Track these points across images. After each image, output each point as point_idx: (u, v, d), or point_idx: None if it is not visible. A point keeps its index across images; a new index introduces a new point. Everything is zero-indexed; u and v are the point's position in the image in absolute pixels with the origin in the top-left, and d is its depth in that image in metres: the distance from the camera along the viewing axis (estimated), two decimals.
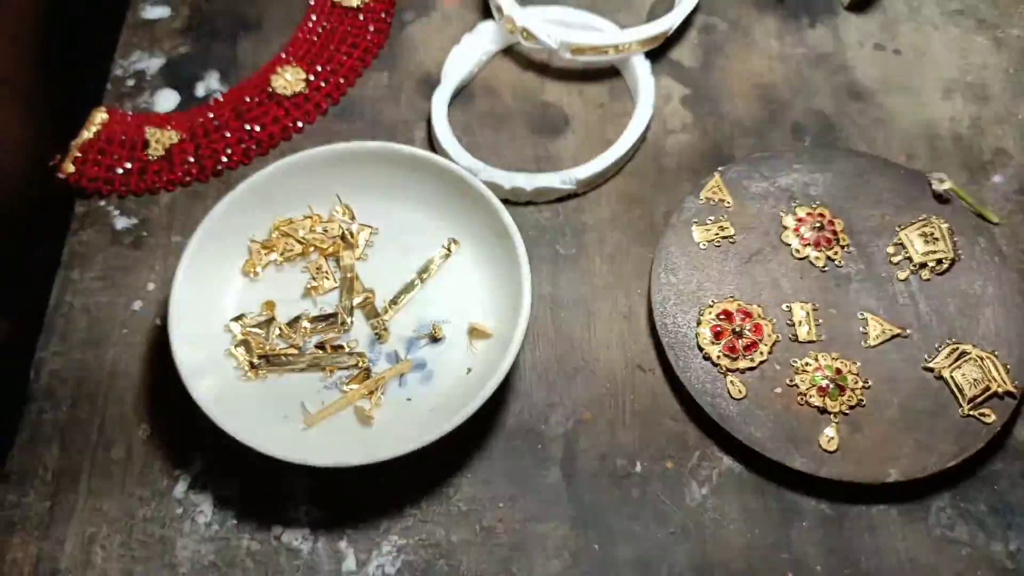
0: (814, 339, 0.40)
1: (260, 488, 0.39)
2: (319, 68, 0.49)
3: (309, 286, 0.42)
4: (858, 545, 0.38)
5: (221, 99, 0.48)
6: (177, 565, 0.38)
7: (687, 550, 0.38)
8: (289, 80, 0.48)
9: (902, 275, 0.42)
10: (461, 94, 0.49)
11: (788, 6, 0.51)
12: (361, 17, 0.51)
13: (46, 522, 0.39)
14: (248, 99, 0.48)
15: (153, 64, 0.50)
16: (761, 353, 0.40)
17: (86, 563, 0.38)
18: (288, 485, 0.39)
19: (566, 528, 0.39)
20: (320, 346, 0.41)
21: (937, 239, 0.42)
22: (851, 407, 0.39)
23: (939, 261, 0.42)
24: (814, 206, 0.43)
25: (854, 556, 0.38)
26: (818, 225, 0.42)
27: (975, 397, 0.39)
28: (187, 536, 0.38)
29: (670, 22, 0.47)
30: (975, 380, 0.39)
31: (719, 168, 0.45)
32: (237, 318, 0.41)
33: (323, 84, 0.49)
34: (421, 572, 0.38)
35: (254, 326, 0.41)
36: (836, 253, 0.42)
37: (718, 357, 0.39)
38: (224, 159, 0.47)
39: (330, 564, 0.38)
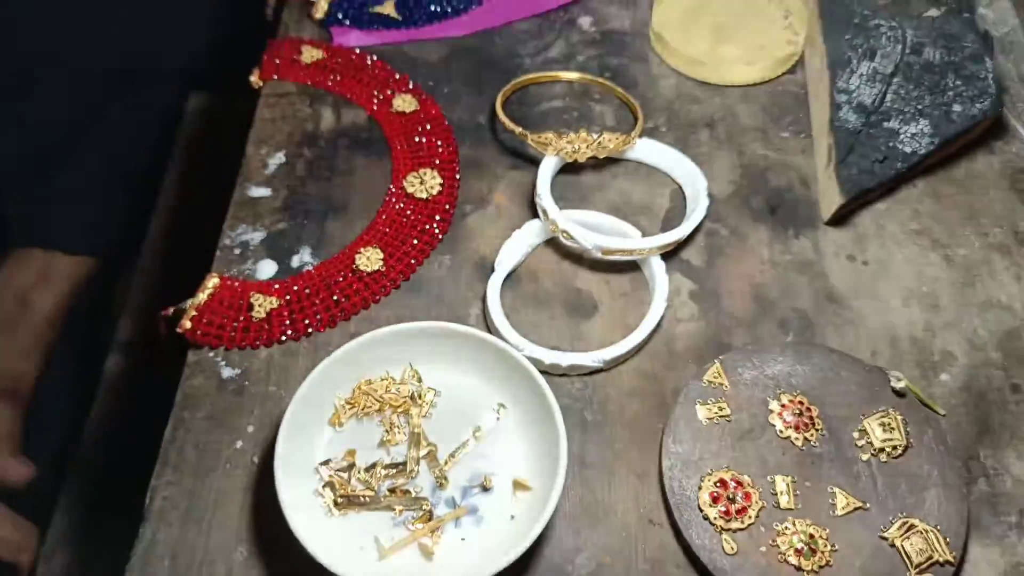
0: (792, 507, 0.50)
1: None
2: (393, 250, 0.60)
3: (384, 439, 0.52)
4: None
5: (312, 271, 0.59)
6: None
7: None
8: (369, 258, 0.59)
9: (864, 457, 0.51)
10: (509, 278, 0.59)
11: (778, 219, 0.63)
12: (429, 207, 0.62)
13: None
14: (335, 273, 0.59)
15: (255, 237, 0.61)
16: (750, 517, 0.49)
17: None
18: None
19: None
20: (392, 490, 0.50)
21: (893, 428, 0.52)
22: (821, 567, 0.48)
23: (894, 447, 0.51)
24: (795, 394, 0.53)
25: None
26: (798, 411, 0.53)
27: (920, 564, 0.48)
28: None
29: (682, 232, 0.58)
30: (921, 549, 0.48)
31: (719, 357, 0.55)
32: (324, 463, 0.50)
33: (397, 263, 0.59)
34: None
35: (338, 470, 0.50)
36: (812, 435, 0.52)
37: (715, 518, 0.49)
38: (314, 324, 0.57)
39: None
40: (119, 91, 0.93)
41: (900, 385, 0.53)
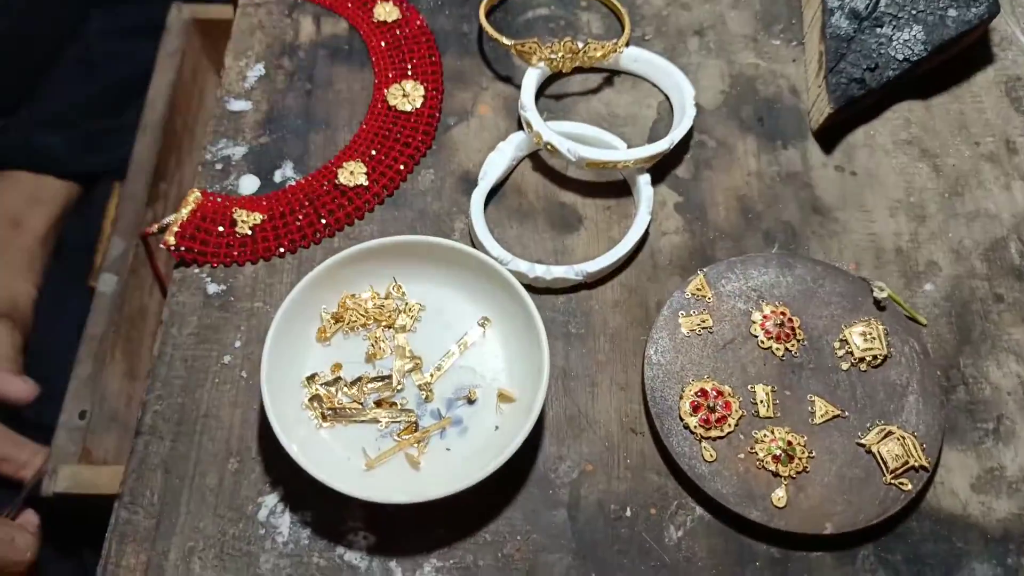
0: (772, 416, 0.51)
1: (327, 515, 0.49)
2: (377, 164, 0.59)
3: (370, 352, 0.52)
4: None
5: (295, 186, 0.58)
6: None
7: None
8: (352, 173, 0.58)
9: (844, 366, 0.52)
10: (494, 192, 0.59)
11: (766, 129, 0.62)
12: (413, 120, 0.61)
13: (153, 536, 0.49)
14: (318, 188, 0.58)
15: (237, 152, 0.60)
16: (729, 425, 0.50)
17: (187, 571, 0.48)
18: (351, 514, 0.49)
19: (569, 559, 0.49)
20: (378, 403, 0.51)
21: (874, 338, 0.53)
22: (798, 472, 0.49)
23: (875, 357, 0.52)
24: (777, 305, 0.54)
25: None
26: (779, 322, 0.53)
27: (896, 469, 0.49)
28: (268, 552, 0.48)
29: (667, 144, 0.57)
30: (897, 455, 0.49)
31: (703, 268, 0.55)
32: (311, 377, 0.51)
33: (380, 178, 0.59)
34: None
35: (325, 384, 0.51)
36: (793, 345, 0.52)
37: (695, 427, 0.50)
38: (298, 240, 0.57)
39: None
40: (99, 5, 0.91)
41: (882, 296, 0.53)
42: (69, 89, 0.90)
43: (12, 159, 0.86)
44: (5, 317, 0.80)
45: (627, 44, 0.62)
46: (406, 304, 0.53)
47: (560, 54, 0.60)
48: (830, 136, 0.62)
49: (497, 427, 0.50)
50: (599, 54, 0.61)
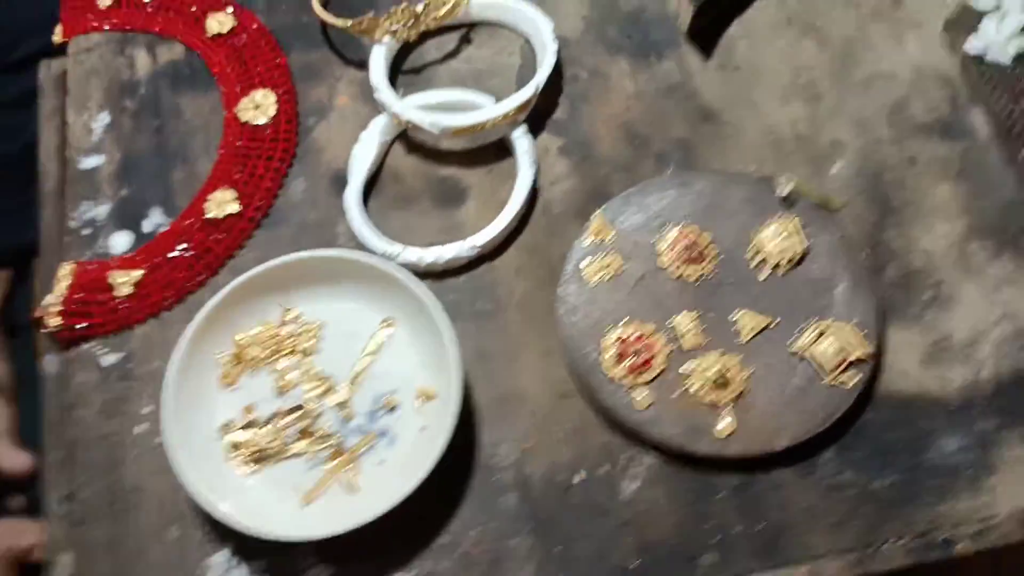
0: (699, 344, 0.48)
1: (281, 560, 0.48)
2: (243, 186, 0.56)
3: (278, 385, 0.50)
4: (765, 504, 0.47)
5: (167, 231, 0.55)
6: None
7: (632, 536, 0.47)
8: (220, 204, 0.55)
9: (763, 275, 0.50)
10: (371, 185, 0.56)
11: (636, 45, 0.58)
12: (271, 131, 0.57)
13: None
14: (190, 228, 0.55)
15: (101, 211, 0.57)
16: (657, 366, 0.48)
17: None
18: (303, 552, 0.47)
19: (531, 539, 0.47)
20: (300, 433, 0.49)
21: (789, 235, 0.50)
22: (738, 396, 0.47)
23: (793, 256, 0.49)
24: (683, 228, 0.51)
25: (764, 513, 0.47)
26: (687, 244, 0.50)
27: (836, 367, 0.47)
28: None
29: (532, 89, 0.54)
30: (836, 351, 0.47)
31: (601, 209, 0.52)
32: (225, 425, 0.49)
33: (251, 200, 0.56)
34: None
35: (240, 428, 0.49)
36: (706, 267, 0.50)
37: (623, 377, 0.48)
38: (182, 286, 0.54)
39: None
40: None
41: (787, 190, 0.51)
42: None
43: None
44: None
45: None
46: (303, 326, 0.51)
47: (402, 22, 0.56)
48: (704, 37, 0.58)
49: (423, 427, 0.48)
50: (442, 12, 0.57)
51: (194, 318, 0.48)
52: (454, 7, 0.57)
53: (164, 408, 0.46)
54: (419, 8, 0.56)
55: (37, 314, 0.55)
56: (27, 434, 0.82)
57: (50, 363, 0.54)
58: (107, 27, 0.62)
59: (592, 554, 0.47)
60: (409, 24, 0.56)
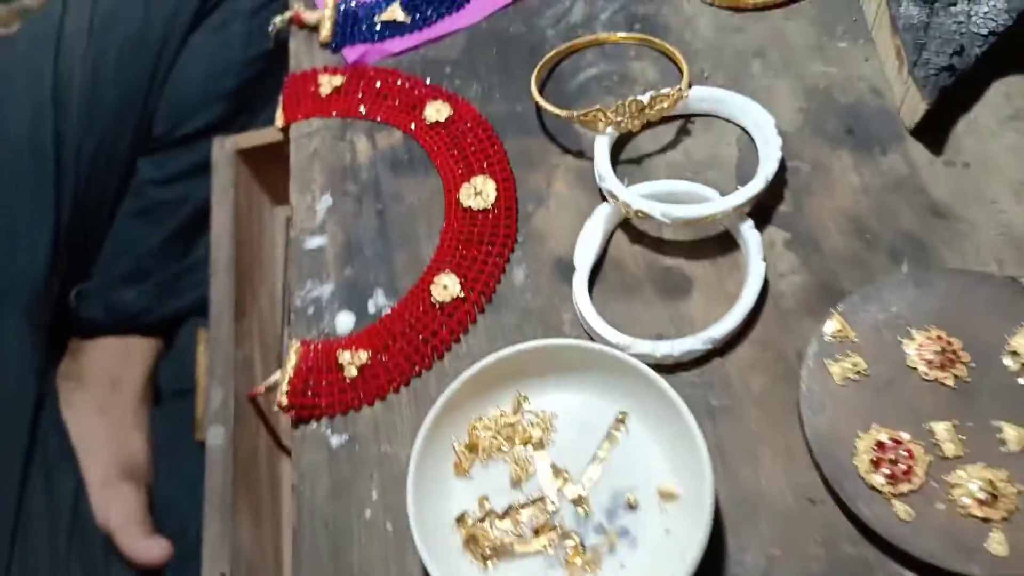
0: (960, 454, 0.46)
1: None
2: (467, 271, 0.57)
3: (514, 477, 0.49)
4: None
5: (392, 313, 0.56)
6: None
7: None
8: (446, 287, 0.56)
9: (1023, 380, 0.48)
10: (593, 273, 0.56)
11: (858, 138, 0.58)
12: (492, 217, 0.58)
13: None
14: (416, 311, 0.56)
15: (325, 290, 0.58)
16: (918, 475, 0.46)
17: None
18: None
19: None
20: (536, 530, 0.48)
21: None
22: (1009, 512, 0.44)
23: None
24: (929, 329, 0.49)
25: None
26: (938, 348, 0.49)
27: None
28: None
29: (762, 182, 0.54)
30: None
31: (837, 306, 0.51)
32: (460, 517, 0.48)
33: (475, 284, 0.56)
34: None
35: (477, 521, 0.48)
36: (960, 370, 0.48)
37: (881, 485, 0.46)
38: (410, 371, 0.54)
39: None
40: (145, 155, 0.93)
41: None
42: (133, 243, 0.91)
43: (95, 322, 0.89)
44: (128, 478, 0.81)
45: (690, 86, 0.59)
46: (536, 415, 0.51)
47: (627, 115, 0.57)
48: (928, 131, 0.57)
49: (668, 530, 0.47)
50: (666, 105, 0.58)
51: (435, 403, 0.48)
52: (676, 99, 0.58)
53: (409, 496, 0.46)
54: (645, 100, 0.57)
55: (259, 390, 0.56)
56: (174, 505, 0.83)
57: (216, 435, 0.54)
58: (334, 113, 0.64)
59: None
60: (634, 116, 0.57)
